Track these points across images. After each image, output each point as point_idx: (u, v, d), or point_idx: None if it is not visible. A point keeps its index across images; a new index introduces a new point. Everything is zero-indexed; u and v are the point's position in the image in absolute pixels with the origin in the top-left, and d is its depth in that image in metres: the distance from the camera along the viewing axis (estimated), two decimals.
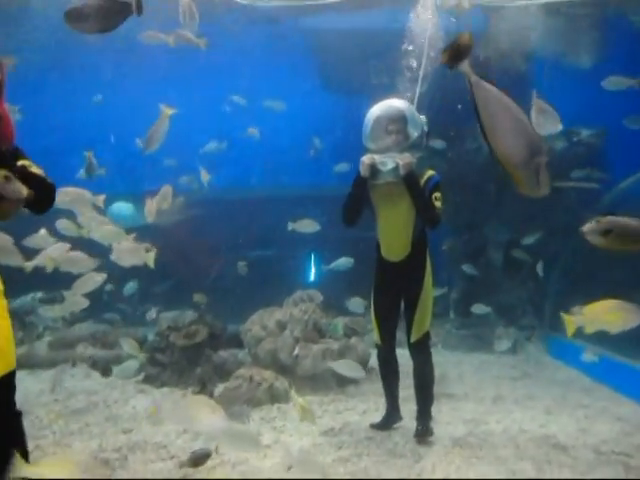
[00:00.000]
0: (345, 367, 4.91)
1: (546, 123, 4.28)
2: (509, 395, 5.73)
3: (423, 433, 4.30)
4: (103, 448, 4.14)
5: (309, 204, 8.55)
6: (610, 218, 2.79)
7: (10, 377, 2.36)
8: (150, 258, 4.79)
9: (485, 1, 5.84)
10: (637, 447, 4.36)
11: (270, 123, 9.06)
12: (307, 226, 6.82)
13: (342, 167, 7.93)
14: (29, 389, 5.52)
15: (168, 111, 4.73)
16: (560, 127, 4.40)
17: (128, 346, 5.64)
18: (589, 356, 6.07)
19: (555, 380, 6.38)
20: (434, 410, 5.00)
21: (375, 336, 4.39)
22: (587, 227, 2.82)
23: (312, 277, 9.13)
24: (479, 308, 7.53)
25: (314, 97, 9.74)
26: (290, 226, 6.80)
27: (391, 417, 4.57)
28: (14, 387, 2.41)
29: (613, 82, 6.81)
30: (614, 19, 8.56)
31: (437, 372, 6.28)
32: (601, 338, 6.64)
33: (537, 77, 8.88)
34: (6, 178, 2.15)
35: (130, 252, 4.77)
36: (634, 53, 8.40)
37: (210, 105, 9.12)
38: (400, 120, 3.96)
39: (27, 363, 6.10)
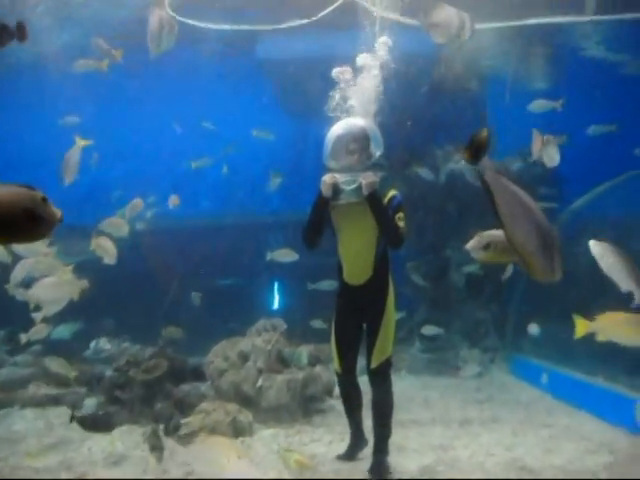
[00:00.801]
0: None
1: (550, 155, 4.48)
2: (475, 418, 5.72)
3: (378, 471, 4.02)
4: None
5: (270, 231, 8.53)
6: (488, 233, 2.97)
7: None
8: (75, 291, 4.47)
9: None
10: (603, 465, 4.39)
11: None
12: (285, 255, 6.72)
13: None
14: None
15: (81, 142, 4.67)
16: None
17: (57, 365, 5.40)
18: (545, 379, 6.15)
19: (519, 401, 6.41)
20: (401, 436, 4.97)
21: (335, 364, 4.19)
22: (470, 244, 3.00)
23: (276, 305, 9.04)
24: (430, 329, 7.51)
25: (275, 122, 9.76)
26: (268, 256, 6.69)
27: (356, 445, 4.42)
28: None
29: (537, 105, 7.06)
30: (567, 45, 8.89)
31: (404, 396, 6.37)
32: (561, 356, 6.80)
33: (491, 98, 9.15)
34: (43, 200, 2.21)
35: (54, 287, 4.42)
36: (585, 77, 8.76)
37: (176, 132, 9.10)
38: (362, 138, 3.85)
39: None
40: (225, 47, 8.31)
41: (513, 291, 8.33)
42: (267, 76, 9.19)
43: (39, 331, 5.09)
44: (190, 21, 6.23)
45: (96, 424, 5.13)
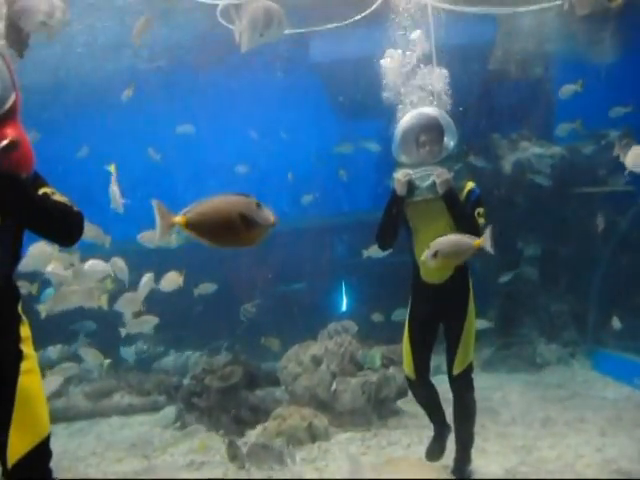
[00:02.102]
0: None
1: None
2: (559, 417, 5.46)
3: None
4: None
5: (333, 233, 8.51)
6: (435, 241, 3.29)
7: (44, 444, 2.16)
8: (103, 300, 4.58)
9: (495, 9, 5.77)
10: None
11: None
12: (377, 251, 6.76)
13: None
14: (67, 445, 5.47)
15: (112, 168, 4.74)
16: None
17: (91, 356, 5.53)
18: None
19: (606, 398, 6.08)
20: (480, 438, 4.80)
21: (407, 369, 3.85)
22: (423, 255, 3.33)
23: (344, 307, 9.02)
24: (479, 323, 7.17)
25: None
26: (364, 253, 6.69)
27: (441, 435, 3.99)
28: (49, 454, 2.20)
29: (564, 91, 7.11)
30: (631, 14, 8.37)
31: (481, 395, 6.18)
32: None
33: (557, 81, 8.74)
34: (258, 205, 2.38)
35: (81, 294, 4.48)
36: None
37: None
38: (435, 129, 3.59)
39: (64, 416, 6.06)
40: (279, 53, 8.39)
41: (592, 281, 7.93)
42: (321, 79, 9.19)
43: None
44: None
45: None
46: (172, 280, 5.18)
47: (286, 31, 6.54)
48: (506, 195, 8.20)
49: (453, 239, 3.30)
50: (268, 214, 2.44)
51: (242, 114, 9.24)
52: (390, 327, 6.29)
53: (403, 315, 5.98)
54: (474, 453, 4.31)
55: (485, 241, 3.30)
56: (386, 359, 5.65)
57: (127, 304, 4.90)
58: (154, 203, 2.37)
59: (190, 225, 2.37)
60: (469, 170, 8.04)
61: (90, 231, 4.63)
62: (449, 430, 4.02)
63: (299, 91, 9.32)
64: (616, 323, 6.12)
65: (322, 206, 9.52)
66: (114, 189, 4.82)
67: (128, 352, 6.91)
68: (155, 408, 6.20)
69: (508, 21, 7.81)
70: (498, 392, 6.45)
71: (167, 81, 8.96)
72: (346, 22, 5.88)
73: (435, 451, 3.98)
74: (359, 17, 5.57)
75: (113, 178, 4.81)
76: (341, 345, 5.71)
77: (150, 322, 5.38)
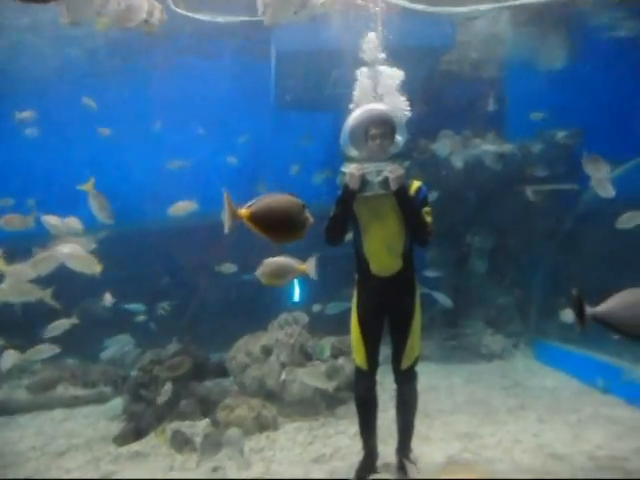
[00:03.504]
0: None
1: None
2: (500, 405, 5.66)
3: (406, 469, 3.89)
4: None
5: None
6: (265, 261, 3.47)
7: None
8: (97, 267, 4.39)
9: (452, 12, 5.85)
10: (633, 450, 4.31)
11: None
12: None
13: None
14: (8, 438, 5.32)
15: (88, 186, 4.63)
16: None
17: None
18: (602, 382, 6.00)
19: (545, 386, 6.32)
20: (425, 426, 4.94)
21: (359, 359, 3.81)
22: (257, 272, 3.48)
23: (296, 298, 9.02)
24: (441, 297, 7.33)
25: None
26: None
27: (370, 459, 3.96)
28: None
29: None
30: (580, 21, 8.68)
31: (428, 385, 6.33)
32: (586, 340, 6.69)
33: (510, 83, 9.00)
34: (303, 207, 2.76)
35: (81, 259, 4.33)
36: (602, 54, 8.56)
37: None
38: (386, 124, 3.57)
39: (5, 409, 5.87)
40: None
41: (535, 275, 8.21)
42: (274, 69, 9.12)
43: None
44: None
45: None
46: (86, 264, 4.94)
47: (242, 18, 6.44)
48: (457, 190, 8.39)
49: (281, 261, 3.45)
50: (309, 215, 2.81)
51: (180, 103, 9.07)
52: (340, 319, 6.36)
53: (337, 308, 6.08)
54: (419, 440, 4.44)
55: (309, 267, 3.44)
56: (336, 349, 5.70)
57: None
58: (225, 195, 2.70)
59: (253, 219, 2.70)
60: (420, 165, 8.21)
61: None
62: (376, 456, 4.01)
63: (246, 80, 9.23)
64: (567, 315, 6.17)
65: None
66: (96, 205, 4.73)
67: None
68: (101, 400, 6.07)
69: (465, 24, 7.99)
70: (444, 382, 6.62)
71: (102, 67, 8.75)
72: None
73: (365, 470, 3.94)
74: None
75: (92, 194, 4.69)
76: (291, 336, 5.73)
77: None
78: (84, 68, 8.90)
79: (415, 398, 3.90)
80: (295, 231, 2.80)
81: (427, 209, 3.64)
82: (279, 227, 2.75)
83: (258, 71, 8.78)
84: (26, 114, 7.63)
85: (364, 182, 3.56)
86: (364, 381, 3.88)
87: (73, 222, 5.02)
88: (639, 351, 5.70)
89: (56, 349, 5.07)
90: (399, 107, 3.76)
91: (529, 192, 6.98)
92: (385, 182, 3.53)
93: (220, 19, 5.51)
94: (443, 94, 8.54)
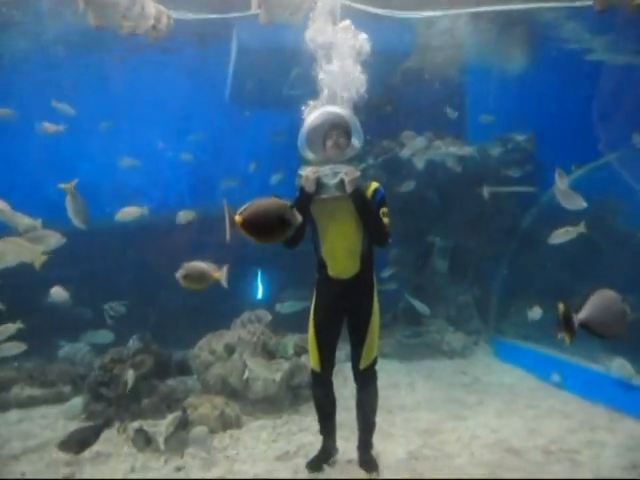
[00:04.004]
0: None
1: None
2: (461, 402, 5.79)
3: (369, 464, 3.99)
4: None
5: None
6: (186, 265, 3.73)
7: None
8: (39, 260, 4.25)
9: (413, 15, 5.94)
10: (584, 443, 4.50)
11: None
12: None
13: None
14: None
15: (69, 185, 4.57)
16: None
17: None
18: (556, 377, 6.19)
19: (504, 383, 6.50)
20: (387, 423, 5.02)
21: (313, 361, 3.90)
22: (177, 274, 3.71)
23: (260, 295, 9.01)
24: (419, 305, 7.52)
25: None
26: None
27: (328, 451, 4.13)
28: None
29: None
30: (540, 29, 8.94)
31: (390, 382, 6.43)
32: (541, 337, 6.91)
33: (470, 87, 9.20)
34: (290, 207, 2.99)
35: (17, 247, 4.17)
36: (559, 60, 8.85)
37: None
38: (342, 127, 3.61)
39: None
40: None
41: (495, 275, 8.42)
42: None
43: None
44: None
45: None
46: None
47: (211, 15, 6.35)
48: (419, 191, 8.53)
49: (198, 267, 3.73)
50: (297, 214, 3.04)
51: (135, 101, 8.93)
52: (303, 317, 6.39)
53: (292, 307, 6.13)
54: (381, 437, 4.52)
55: (223, 275, 3.77)
56: (298, 347, 5.73)
57: None
58: (224, 204, 2.95)
59: (246, 225, 2.91)
60: (382, 166, 8.33)
61: None
62: (335, 451, 4.16)
63: (203, 76, 9.16)
64: (535, 313, 6.22)
65: (238, 195, 9.49)
66: (72, 207, 4.62)
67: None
68: (60, 399, 5.92)
69: (425, 28, 8.12)
70: (406, 379, 6.72)
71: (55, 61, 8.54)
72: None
73: (316, 464, 4.09)
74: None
75: (70, 196, 4.59)
76: (254, 334, 5.73)
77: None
78: (37, 61, 8.65)
79: (375, 397, 3.97)
80: (284, 232, 3.06)
81: (384, 210, 3.69)
82: (270, 230, 3.01)
83: (216, 68, 8.75)
84: None
85: (320, 185, 3.59)
86: (318, 383, 3.98)
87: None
88: (592, 348, 5.93)
89: (23, 346, 4.99)
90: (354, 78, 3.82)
91: (485, 192, 7.14)
92: (341, 184, 3.57)
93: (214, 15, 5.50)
94: (405, 97, 8.68)
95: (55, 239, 4.46)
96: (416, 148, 7.82)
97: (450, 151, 8.21)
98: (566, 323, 2.68)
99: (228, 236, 2.94)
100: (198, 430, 4.55)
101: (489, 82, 8.73)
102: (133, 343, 5.95)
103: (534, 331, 7.08)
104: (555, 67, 8.62)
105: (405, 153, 8.03)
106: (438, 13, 5.74)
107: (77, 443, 4.15)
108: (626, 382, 5.10)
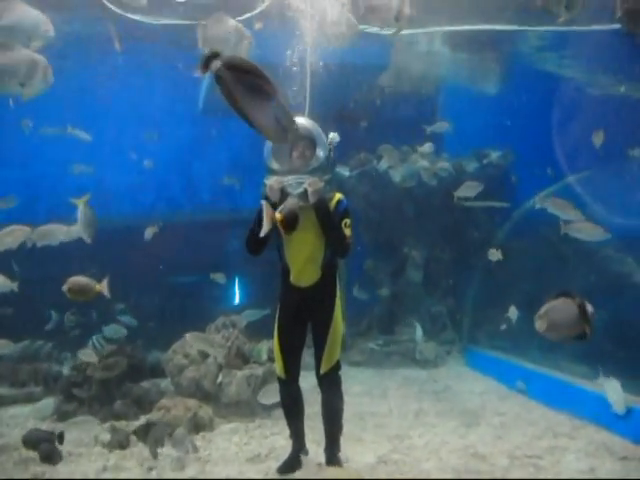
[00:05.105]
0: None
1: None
2: (431, 409, 5.90)
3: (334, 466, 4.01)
4: None
5: (227, 228, 8.55)
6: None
7: None
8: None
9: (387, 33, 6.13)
10: (546, 449, 4.65)
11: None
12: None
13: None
14: None
15: (81, 201, 4.69)
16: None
17: None
18: (521, 385, 6.37)
19: (473, 391, 6.63)
20: (358, 428, 5.11)
21: (278, 369, 4.00)
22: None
23: (236, 300, 9.06)
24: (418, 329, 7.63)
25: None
26: None
27: (297, 455, 4.19)
28: None
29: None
30: (514, 49, 9.23)
31: (362, 389, 6.52)
32: (512, 347, 7.09)
33: (445, 103, 9.43)
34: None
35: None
36: (532, 81, 9.15)
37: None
38: (307, 138, 3.69)
39: None
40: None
41: (468, 286, 8.60)
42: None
43: None
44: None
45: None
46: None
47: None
48: (395, 203, 8.70)
49: (81, 281, 4.08)
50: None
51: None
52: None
53: (253, 316, 6.20)
54: (351, 442, 4.61)
55: (104, 287, 4.12)
56: (272, 353, 5.77)
57: None
58: (264, 204, 3.48)
59: (283, 221, 3.42)
60: (358, 177, 8.49)
61: None
62: (306, 453, 4.22)
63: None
64: (512, 314, 6.28)
65: (218, 201, 9.56)
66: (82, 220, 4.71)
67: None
68: (31, 400, 5.88)
69: (402, 45, 8.35)
70: (379, 386, 6.83)
71: None
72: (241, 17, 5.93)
73: (287, 468, 4.14)
74: (252, 14, 5.68)
75: (82, 209, 4.69)
76: (228, 339, 5.78)
77: None
78: None
79: (338, 401, 4.01)
80: None
81: (347, 221, 3.75)
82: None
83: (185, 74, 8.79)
84: None
85: (284, 194, 3.67)
86: (284, 389, 4.06)
87: None
88: (558, 357, 6.13)
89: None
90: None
91: (455, 198, 7.29)
92: (304, 194, 3.64)
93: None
94: (381, 110, 8.86)
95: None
96: (425, 153, 7.97)
97: (424, 165, 8.40)
98: (583, 316, 2.77)
99: (265, 230, 3.44)
100: (178, 431, 4.58)
101: (464, 98, 8.98)
102: (95, 343, 5.96)
103: (505, 341, 7.27)
104: (529, 86, 8.90)
105: (382, 165, 8.20)
106: (414, 31, 5.92)
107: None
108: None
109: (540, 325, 2.83)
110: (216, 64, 2.52)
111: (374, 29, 5.82)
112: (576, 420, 5.32)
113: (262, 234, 3.47)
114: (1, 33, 3.50)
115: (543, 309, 2.85)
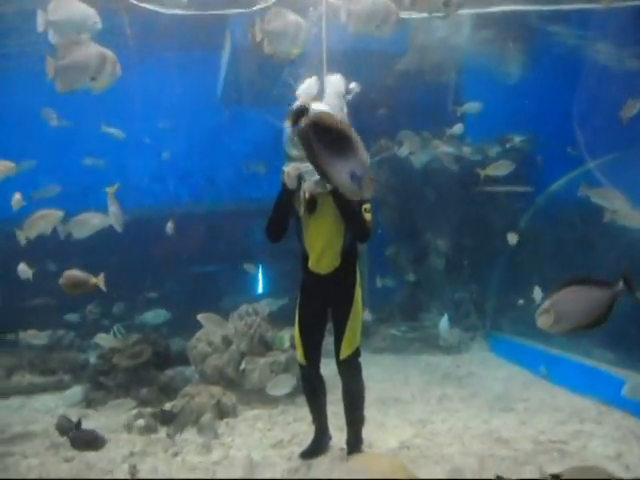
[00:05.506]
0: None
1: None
2: (454, 394, 5.88)
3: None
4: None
5: (250, 218, 8.59)
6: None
7: None
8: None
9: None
10: (571, 434, 4.59)
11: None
12: None
13: None
14: None
15: (112, 189, 4.76)
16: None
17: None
18: (542, 370, 6.32)
19: (497, 377, 6.59)
20: (382, 414, 5.12)
21: (299, 355, 4.03)
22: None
23: (260, 289, 9.13)
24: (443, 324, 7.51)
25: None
26: None
27: (321, 441, 4.25)
28: None
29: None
30: (537, 31, 9.00)
31: (385, 375, 6.52)
32: (536, 333, 7.00)
33: (468, 87, 9.28)
34: None
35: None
36: (556, 63, 8.92)
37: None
38: None
39: None
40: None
41: (492, 272, 8.52)
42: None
43: None
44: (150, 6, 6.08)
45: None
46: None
47: (209, 11, 6.47)
48: (417, 189, 8.63)
49: (77, 274, 4.06)
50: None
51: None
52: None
53: (272, 305, 6.19)
54: (374, 427, 4.62)
55: (100, 281, 4.08)
56: (294, 340, 5.81)
57: None
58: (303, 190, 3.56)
59: None
60: (389, 165, 8.43)
61: None
62: (328, 438, 4.27)
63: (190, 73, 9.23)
64: (537, 294, 6.19)
65: (237, 191, 9.62)
66: (113, 209, 4.78)
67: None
68: (60, 387, 6.03)
69: (420, 27, 8.20)
70: (402, 372, 6.82)
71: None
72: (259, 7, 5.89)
73: (311, 453, 4.20)
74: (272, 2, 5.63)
75: (111, 198, 4.77)
76: (251, 326, 5.82)
77: None
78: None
79: (359, 389, 4.02)
80: None
81: (367, 206, 3.71)
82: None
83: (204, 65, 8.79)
84: None
85: (302, 181, 3.66)
86: (305, 375, 4.12)
87: None
88: (585, 343, 6.04)
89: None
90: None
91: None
92: (322, 180, 3.57)
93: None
94: (402, 96, 8.75)
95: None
96: (456, 134, 7.84)
97: (447, 150, 8.30)
98: (629, 285, 2.72)
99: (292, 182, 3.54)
100: (205, 417, 4.68)
101: (487, 82, 8.80)
102: (115, 332, 6.07)
103: (529, 328, 7.17)
104: (553, 68, 8.69)
105: (403, 152, 8.13)
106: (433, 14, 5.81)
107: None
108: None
109: (545, 321, 2.76)
110: (305, 120, 2.63)
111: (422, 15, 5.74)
112: (602, 406, 5.24)
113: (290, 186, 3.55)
114: (55, 27, 3.66)
115: (546, 303, 2.78)
